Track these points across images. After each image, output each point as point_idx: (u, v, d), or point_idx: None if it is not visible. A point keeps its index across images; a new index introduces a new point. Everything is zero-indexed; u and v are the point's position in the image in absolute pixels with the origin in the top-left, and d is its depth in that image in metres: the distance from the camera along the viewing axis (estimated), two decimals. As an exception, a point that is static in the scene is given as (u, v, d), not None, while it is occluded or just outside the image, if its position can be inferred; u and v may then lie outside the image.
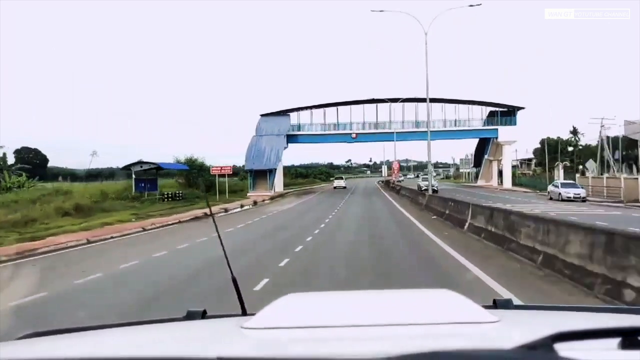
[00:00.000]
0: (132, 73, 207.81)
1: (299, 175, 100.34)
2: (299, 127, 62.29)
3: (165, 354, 1.19)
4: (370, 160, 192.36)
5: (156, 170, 43.15)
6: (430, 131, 62.34)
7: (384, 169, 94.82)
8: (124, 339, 1.47)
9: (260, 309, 1.47)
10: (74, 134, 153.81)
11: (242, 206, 36.11)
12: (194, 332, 1.55)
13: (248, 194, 51.02)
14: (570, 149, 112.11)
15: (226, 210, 32.14)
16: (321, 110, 62.35)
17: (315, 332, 1.29)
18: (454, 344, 1.17)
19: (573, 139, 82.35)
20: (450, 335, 1.30)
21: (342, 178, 72.14)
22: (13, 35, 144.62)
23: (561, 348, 0.91)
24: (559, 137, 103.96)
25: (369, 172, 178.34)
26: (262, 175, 52.85)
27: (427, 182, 38.05)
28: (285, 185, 73.41)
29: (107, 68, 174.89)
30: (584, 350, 0.93)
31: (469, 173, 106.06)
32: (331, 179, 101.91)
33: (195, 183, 52.15)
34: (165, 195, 40.30)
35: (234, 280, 1.94)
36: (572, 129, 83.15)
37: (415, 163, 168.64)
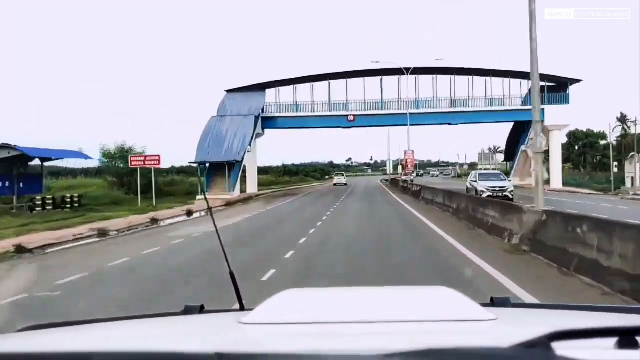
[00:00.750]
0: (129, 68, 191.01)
1: (288, 173, 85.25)
2: (278, 108, 46.90)
3: (164, 348, 1.17)
4: (372, 159, 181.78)
5: (42, 163, 27.85)
6: (455, 112, 47.08)
7: (389, 164, 79.95)
8: (122, 333, 1.47)
9: (259, 305, 1.44)
10: (73, 133, 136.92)
11: (154, 221, 20.86)
12: (192, 326, 1.55)
13: (198, 197, 35.70)
14: (602, 142, 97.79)
15: (104, 232, 16.90)
16: (308, 85, 46.93)
17: (313, 327, 1.30)
18: (451, 342, 1.16)
19: (621, 127, 66.69)
20: (448, 333, 1.29)
21: (342, 175, 70.40)
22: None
23: (559, 347, 0.90)
24: (588, 129, 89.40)
25: (369, 170, 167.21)
26: (222, 170, 37.47)
27: (499, 183, 22.85)
28: (265, 184, 58.25)
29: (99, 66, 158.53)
30: (581, 349, 0.93)
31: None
32: (327, 177, 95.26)
33: (130, 182, 37.24)
34: (45, 202, 24.90)
35: (232, 275, 1.91)
36: (619, 115, 67.44)
37: (417, 161, 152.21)
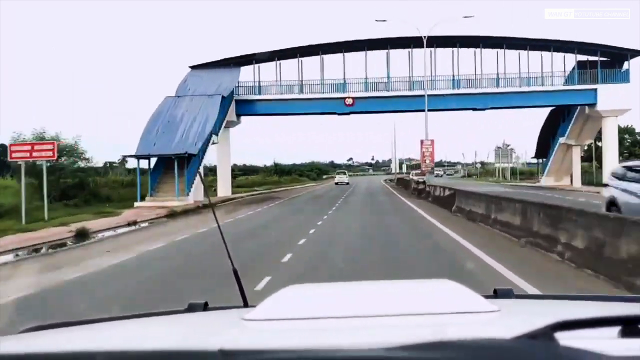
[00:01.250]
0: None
1: (280, 172, 75.51)
2: (257, 89, 37.05)
3: (168, 346, 1.17)
4: (373, 159, 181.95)
5: None
6: (483, 94, 36.82)
7: (394, 162, 71.19)
8: (126, 332, 1.47)
9: (262, 301, 1.42)
10: (67, 131, 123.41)
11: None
12: (196, 324, 1.55)
13: (136, 204, 25.89)
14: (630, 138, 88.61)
15: None
16: (294, 61, 37.03)
17: (316, 322, 1.30)
18: (454, 334, 1.15)
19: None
20: (451, 325, 1.28)
21: (344, 173, 68.99)
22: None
23: (562, 337, 0.91)
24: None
25: (370, 170, 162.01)
26: (174, 167, 27.49)
27: None
28: (247, 185, 48.73)
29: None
30: (584, 339, 0.93)
31: (501, 169, 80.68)
32: (324, 177, 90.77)
33: (57, 182, 27.81)
34: None
35: (235, 272, 1.90)
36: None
37: (419, 162, 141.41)
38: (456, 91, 36.36)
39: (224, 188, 36.70)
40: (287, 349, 0.95)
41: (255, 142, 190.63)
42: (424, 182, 30.65)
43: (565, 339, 0.89)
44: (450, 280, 1.57)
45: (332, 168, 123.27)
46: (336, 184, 59.24)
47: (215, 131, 31.58)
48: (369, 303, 1.43)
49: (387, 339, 0.91)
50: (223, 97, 32.01)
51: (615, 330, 1.04)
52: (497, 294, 1.68)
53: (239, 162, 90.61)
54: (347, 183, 58.68)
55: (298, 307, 1.39)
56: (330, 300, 1.49)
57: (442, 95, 35.95)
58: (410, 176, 54.05)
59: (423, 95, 35.05)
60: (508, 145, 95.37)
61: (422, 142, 27.97)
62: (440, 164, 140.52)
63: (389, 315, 1.31)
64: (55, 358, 0.98)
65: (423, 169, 28.60)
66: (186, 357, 0.92)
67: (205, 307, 1.68)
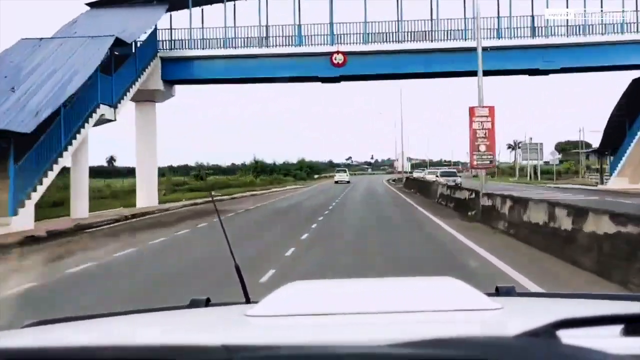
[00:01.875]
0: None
1: (260, 171, 62.66)
2: (196, 42, 23.87)
3: (170, 341, 1.15)
4: (372, 157, 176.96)
5: None
6: (550, 46, 22.28)
7: (401, 160, 60.40)
8: (128, 327, 1.48)
9: (265, 297, 1.42)
10: None
11: None
12: (198, 320, 1.56)
13: None
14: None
15: None
16: (254, 1, 23.79)
17: (319, 319, 1.30)
18: (456, 331, 1.17)
19: None
20: (454, 322, 1.30)
21: (345, 171, 67.10)
22: None
23: (564, 335, 0.92)
24: None
25: (370, 169, 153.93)
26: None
27: None
28: (203, 190, 35.93)
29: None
30: (586, 337, 0.94)
31: (529, 167, 67.48)
32: (316, 177, 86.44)
33: None
34: None
35: (237, 268, 1.90)
36: None
37: (418, 161, 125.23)
38: (504, 43, 23.22)
39: (146, 196, 23.57)
40: (290, 344, 0.93)
41: (240, 138, 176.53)
42: (468, 189, 17.58)
43: (567, 337, 0.90)
44: (453, 277, 1.56)
45: (330, 167, 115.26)
46: (336, 182, 58.55)
47: (109, 101, 18.47)
48: (372, 300, 1.42)
49: (389, 336, 0.91)
50: (122, 43, 18.83)
51: (617, 328, 1.04)
52: (499, 292, 1.67)
53: (222, 163, 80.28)
54: (348, 182, 57.25)
55: (301, 303, 1.37)
56: (333, 297, 1.47)
57: (483, 49, 22.78)
58: (427, 176, 41.11)
59: (452, 50, 22.69)
60: (519, 143, 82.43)
61: (471, 110, 14.67)
62: (439, 164, 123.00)
63: (391, 312, 1.30)
64: (58, 353, 0.96)
65: (475, 163, 15.20)
66: (189, 352, 0.90)
67: (207, 303, 1.66)
